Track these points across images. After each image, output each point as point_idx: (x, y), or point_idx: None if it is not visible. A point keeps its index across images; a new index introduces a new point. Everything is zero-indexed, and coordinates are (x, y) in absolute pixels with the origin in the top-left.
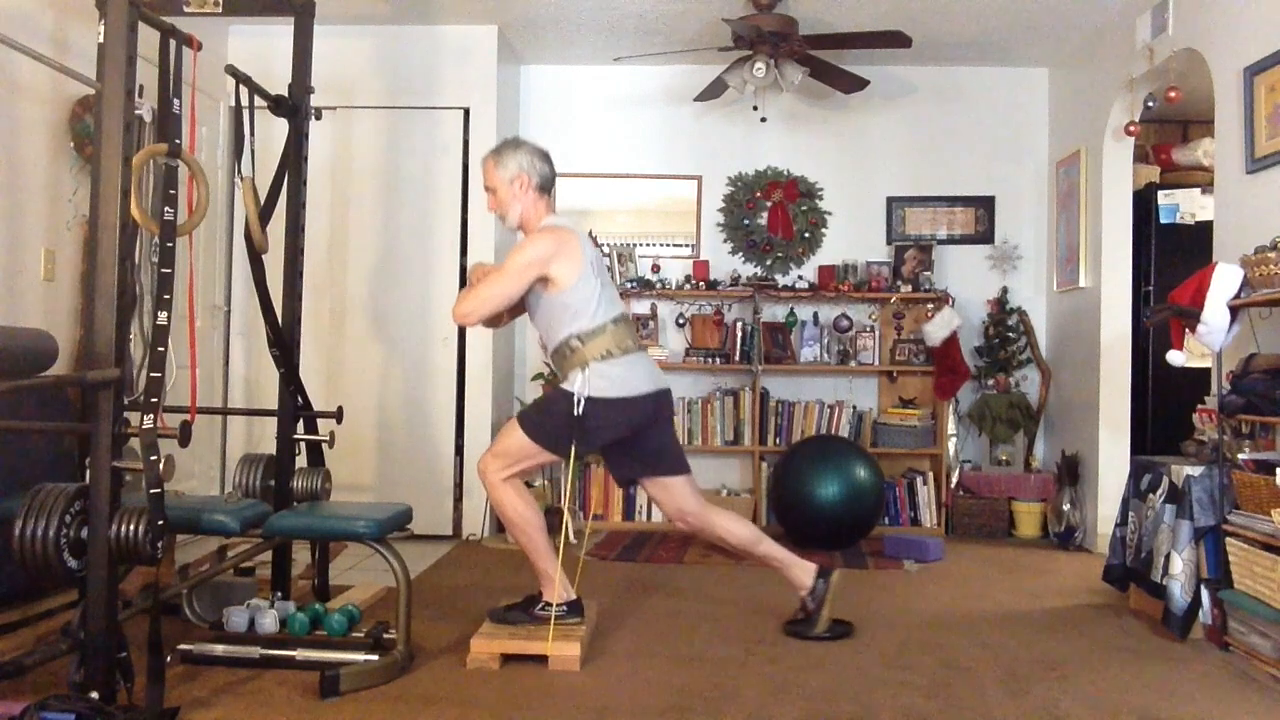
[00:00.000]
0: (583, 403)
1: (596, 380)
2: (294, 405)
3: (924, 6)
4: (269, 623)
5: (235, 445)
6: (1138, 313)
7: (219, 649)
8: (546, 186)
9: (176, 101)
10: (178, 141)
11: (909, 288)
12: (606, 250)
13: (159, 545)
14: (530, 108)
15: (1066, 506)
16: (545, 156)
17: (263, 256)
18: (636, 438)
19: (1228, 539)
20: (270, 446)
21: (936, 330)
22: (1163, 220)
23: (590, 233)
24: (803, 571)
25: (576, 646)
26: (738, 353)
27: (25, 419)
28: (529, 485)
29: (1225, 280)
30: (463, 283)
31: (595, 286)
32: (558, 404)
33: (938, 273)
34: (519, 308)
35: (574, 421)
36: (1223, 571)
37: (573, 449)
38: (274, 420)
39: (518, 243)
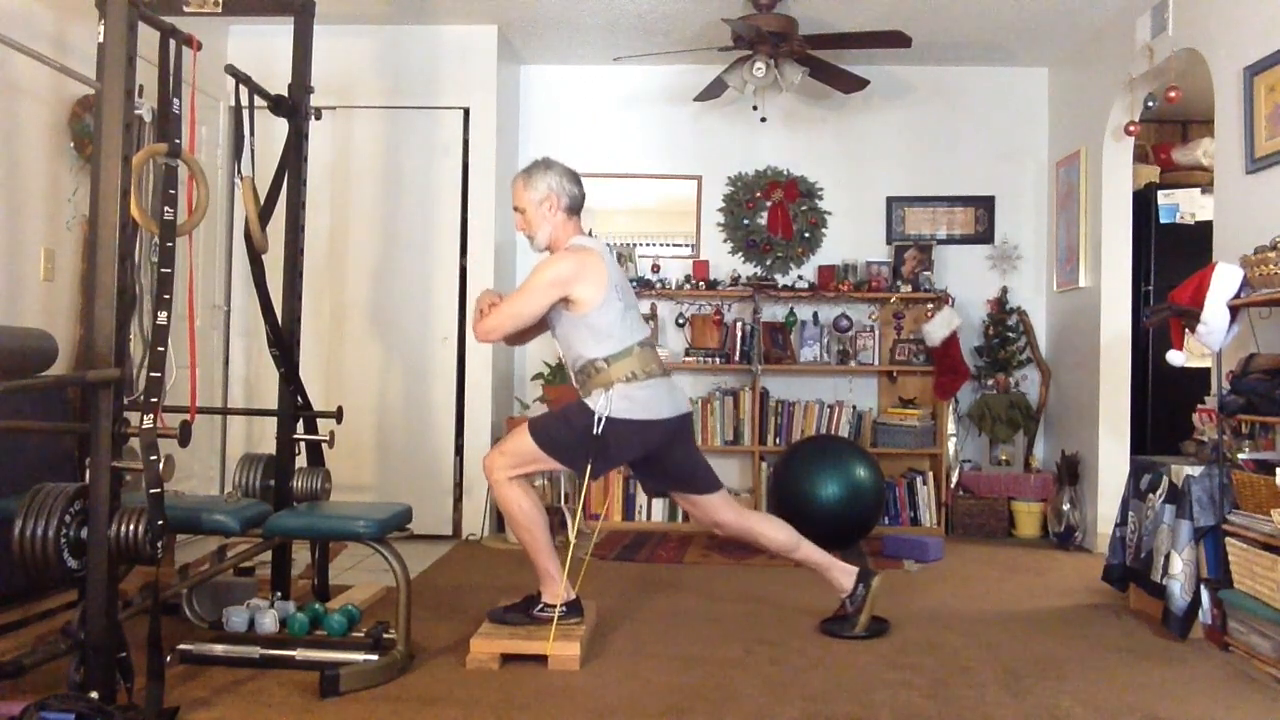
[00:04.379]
0: (603, 422)
1: (620, 401)
2: (294, 405)
3: (924, 6)
4: (269, 623)
5: (235, 445)
6: (1138, 313)
7: (219, 649)
8: (576, 208)
9: (176, 101)
10: (178, 141)
11: (909, 288)
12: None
13: (159, 545)
14: (530, 108)
15: (1066, 506)
16: (575, 178)
17: (263, 256)
18: (661, 458)
19: (1227, 539)
20: (270, 446)
21: (936, 330)
22: (1163, 220)
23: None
24: (843, 575)
25: (576, 646)
26: (738, 353)
27: (25, 419)
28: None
29: (1225, 280)
30: (463, 283)
31: (619, 309)
32: (577, 418)
33: (938, 273)
34: (541, 325)
35: (592, 439)
36: (1223, 571)
37: (588, 467)
38: (274, 420)
39: (541, 261)
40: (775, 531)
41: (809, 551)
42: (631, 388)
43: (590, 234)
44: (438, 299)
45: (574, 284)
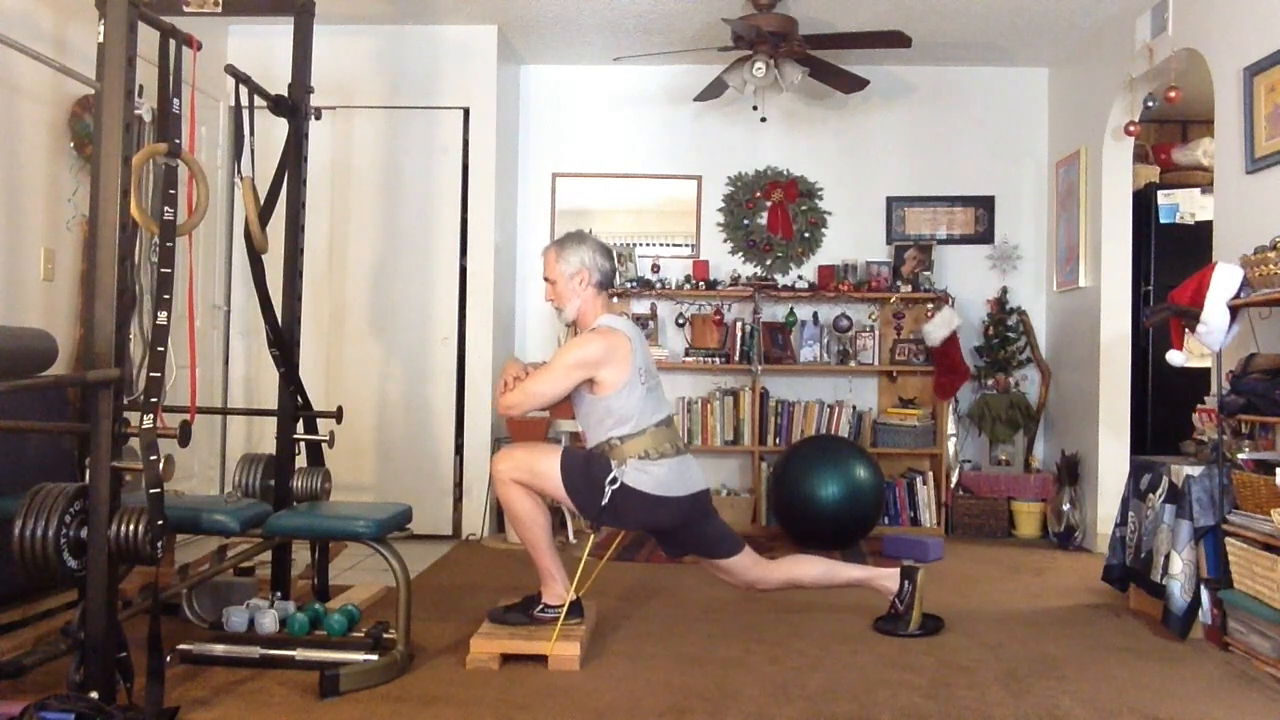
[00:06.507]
0: (616, 485)
1: (635, 473)
2: (294, 405)
3: (924, 6)
4: (269, 623)
5: (235, 445)
6: (1138, 313)
7: (219, 649)
8: (606, 283)
9: (176, 101)
10: (177, 141)
11: (909, 287)
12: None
13: (159, 545)
14: (530, 108)
15: (1066, 506)
16: (608, 253)
17: (263, 256)
18: (678, 530)
19: (1227, 539)
20: (270, 446)
21: (936, 330)
22: (1163, 220)
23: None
24: (888, 579)
25: (576, 646)
26: (738, 353)
27: (25, 419)
28: None
29: (1225, 280)
30: (463, 283)
31: (641, 392)
32: (599, 469)
33: (938, 272)
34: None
35: (604, 495)
36: (1222, 571)
37: (595, 514)
38: (274, 420)
39: (569, 340)
40: (809, 569)
41: (848, 574)
42: (646, 463)
43: (616, 299)
44: (438, 299)
45: (599, 367)
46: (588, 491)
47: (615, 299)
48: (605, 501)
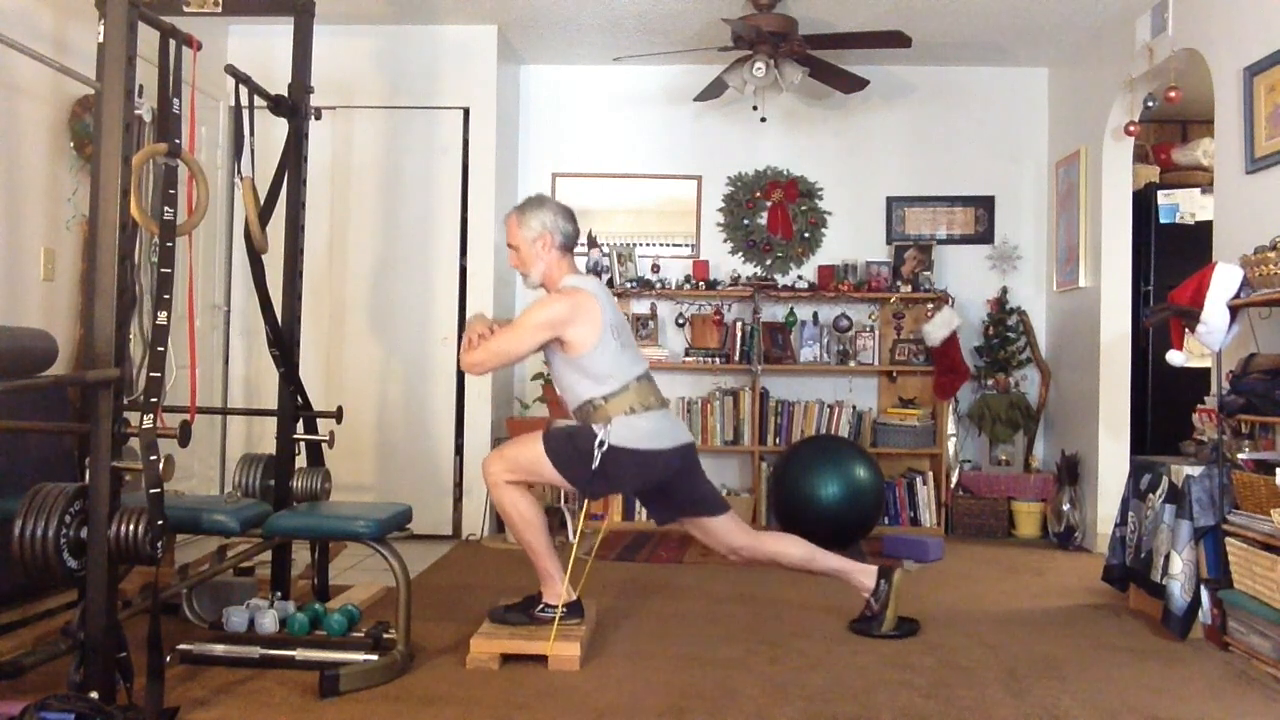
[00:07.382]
0: (605, 447)
1: (621, 430)
2: (294, 405)
3: (924, 6)
4: (269, 623)
5: (235, 445)
6: (1137, 313)
7: (219, 649)
8: (569, 245)
9: (176, 101)
10: (177, 141)
11: (909, 288)
12: (606, 250)
13: (159, 545)
14: (530, 108)
15: (1066, 506)
16: (569, 215)
17: (262, 256)
18: (667, 487)
19: (1227, 539)
20: (270, 446)
21: (936, 330)
22: (1162, 220)
23: (607, 282)
24: (864, 575)
25: (576, 646)
26: (737, 353)
27: (25, 419)
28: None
29: (1225, 280)
30: (463, 283)
31: (614, 349)
32: (583, 441)
33: (937, 272)
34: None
35: (593, 462)
36: (1222, 571)
37: (588, 484)
38: (274, 420)
39: (535, 300)
40: (791, 548)
41: (826, 561)
42: (632, 418)
43: (598, 256)
44: (438, 299)
45: (567, 327)
46: (576, 460)
47: (616, 299)
48: (595, 465)
